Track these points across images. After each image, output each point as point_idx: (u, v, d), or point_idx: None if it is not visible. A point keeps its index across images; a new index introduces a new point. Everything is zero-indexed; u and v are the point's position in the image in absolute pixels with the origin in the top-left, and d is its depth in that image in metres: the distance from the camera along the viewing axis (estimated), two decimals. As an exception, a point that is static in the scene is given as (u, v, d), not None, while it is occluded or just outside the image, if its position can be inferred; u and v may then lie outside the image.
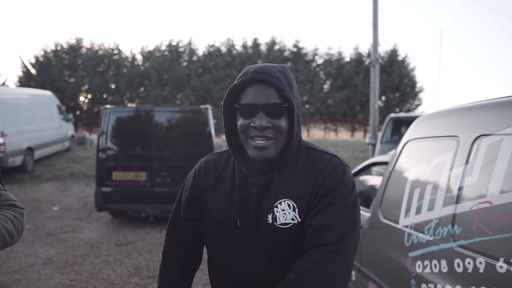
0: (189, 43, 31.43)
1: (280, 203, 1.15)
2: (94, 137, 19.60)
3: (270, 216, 1.16)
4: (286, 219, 1.14)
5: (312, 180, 1.16)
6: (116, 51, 29.29)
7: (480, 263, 1.72)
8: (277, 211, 1.14)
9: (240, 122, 1.19)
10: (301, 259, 1.12)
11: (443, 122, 2.30)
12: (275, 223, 1.14)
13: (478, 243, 1.74)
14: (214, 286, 1.35)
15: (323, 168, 1.17)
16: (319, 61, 29.42)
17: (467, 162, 1.93)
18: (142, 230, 6.53)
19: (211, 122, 6.82)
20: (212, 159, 1.34)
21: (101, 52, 28.70)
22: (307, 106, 27.76)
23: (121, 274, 4.64)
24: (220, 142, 8.34)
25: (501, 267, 1.62)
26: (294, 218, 1.14)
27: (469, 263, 1.77)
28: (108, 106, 7.16)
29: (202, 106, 6.97)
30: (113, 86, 27.99)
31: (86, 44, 28.90)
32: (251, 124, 1.15)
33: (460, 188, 1.92)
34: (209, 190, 1.28)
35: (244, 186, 1.21)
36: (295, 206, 1.14)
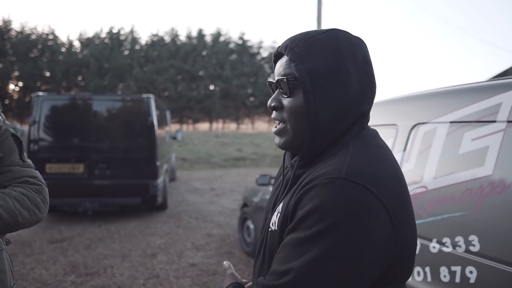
0: (131, 31, 30.24)
1: (279, 204, 0.95)
2: (26, 127, 18.29)
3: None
4: (271, 223, 0.95)
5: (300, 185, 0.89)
6: (51, 36, 27.44)
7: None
8: (275, 211, 0.96)
9: None
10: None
11: (383, 111, 2.38)
12: (269, 224, 0.97)
13: (414, 226, 1.83)
14: None
15: (317, 174, 0.84)
16: (264, 54, 29.69)
17: (405, 149, 2.01)
18: (80, 226, 6.20)
19: (154, 112, 6.59)
20: None
21: (33, 37, 26.75)
22: (251, 99, 27.89)
23: (55, 273, 4.36)
24: (163, 133, 8.12)
25: (434, 247, 1.71)
26: (273, 224, 0.92)
27: (405, 246, 1.85)
28: (40, 93, 6.67)
29: (144, 95, 6.72)
30: (47, 74, 26.25)
31: (15, 27, 26.77)
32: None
33: (398, 174, 2.00)
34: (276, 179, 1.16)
35: (280, 180, 1.07)
36: (279, 211, 0.92)
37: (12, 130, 1.40)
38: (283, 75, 0.90)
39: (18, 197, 1.27)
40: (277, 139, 0.95)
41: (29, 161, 1.41)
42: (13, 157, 1.35)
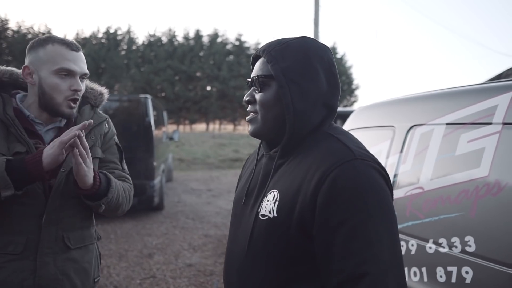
0: (128, 31, 30.22)
1: (270, 193, 1.04)
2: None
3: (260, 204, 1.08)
4: (265, 211, 1.03)
5: (305, 172, 0.97)
6: (47, 36, 27.38)
7: (412, 245, 1.81)
8: (266, 200, 1.04)
9: None
10: None
11: (380, 113, 2.40)
12: (258, 212, 1.05)
13: (411, 227, 1.84)
14: None
15: (323, 159, 0.95)
16: (262, 55, 29.69)
17: (402, 150, 2.03)
18: (76, 225, 6.18)
19: (151, 112, 6.58)
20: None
21: (30, 36, 26.65)
22: (249, 100, 27.91)
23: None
24: (160, 134, 8.11)
25: (430, 247, 1.73)
26: (271, 211, 1.00)
27: (402, 246, 1.86)
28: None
29: (142, 95, 6.71)
30: (43, 73, 26.18)
31: (12, 26, 26.64)
32: None
33: (395, 175, 2.02)
34: (243, 170, 1.31)
35: (257, 167, 1.17)
36: (277, 199, 1.01)
37: (116, 140, 1.68)
38: (256, 74, 1.06)
39: (125, 188, 1.56)
40: (249, 127, 1.10)
41: (126, 167, 1.69)
42: (115, 162, 1.63)
